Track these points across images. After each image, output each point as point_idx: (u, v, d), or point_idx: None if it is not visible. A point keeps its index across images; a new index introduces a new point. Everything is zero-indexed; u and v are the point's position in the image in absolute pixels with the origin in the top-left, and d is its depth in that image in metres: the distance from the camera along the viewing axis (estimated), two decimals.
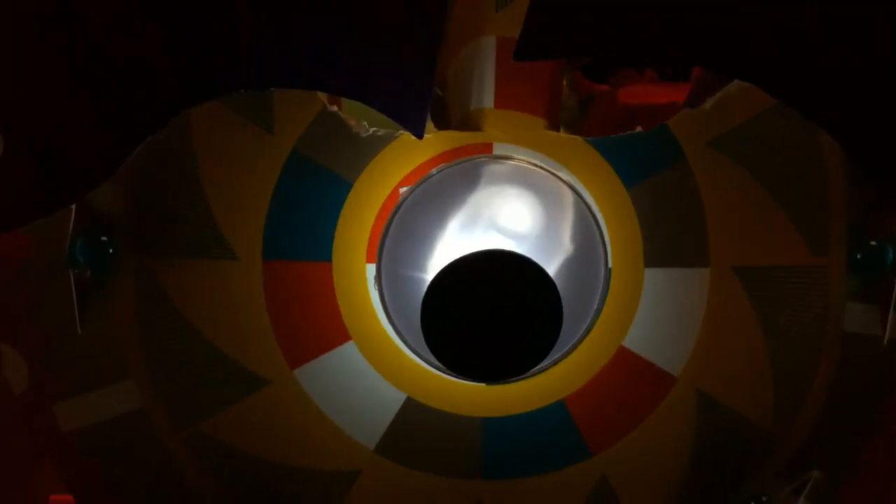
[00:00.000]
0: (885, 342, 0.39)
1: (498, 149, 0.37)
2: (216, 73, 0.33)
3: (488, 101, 0.38)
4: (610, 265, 0.37)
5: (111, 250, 0.38)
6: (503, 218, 0.33)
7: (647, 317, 0.37)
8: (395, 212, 0.33)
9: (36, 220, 0.36)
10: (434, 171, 0.34)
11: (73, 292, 0.38)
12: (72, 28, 0.32)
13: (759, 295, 0.38)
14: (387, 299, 0.33)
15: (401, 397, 0.37)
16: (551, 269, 0.32)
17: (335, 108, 0.38)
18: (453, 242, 0.32)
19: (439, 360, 0.32)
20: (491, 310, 0.31)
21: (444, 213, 0.33)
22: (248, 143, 0.37)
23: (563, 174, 0.36)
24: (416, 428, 0.37)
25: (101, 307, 0.38)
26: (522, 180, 0.34)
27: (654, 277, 0.37)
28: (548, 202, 0.34)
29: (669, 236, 0.37)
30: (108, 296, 0.38)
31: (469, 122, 0.38)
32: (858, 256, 0.38)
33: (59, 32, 0.32)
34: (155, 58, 0.32)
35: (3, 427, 0.40)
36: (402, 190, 0.35)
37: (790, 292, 0.38)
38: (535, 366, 0.32)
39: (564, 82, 0.61)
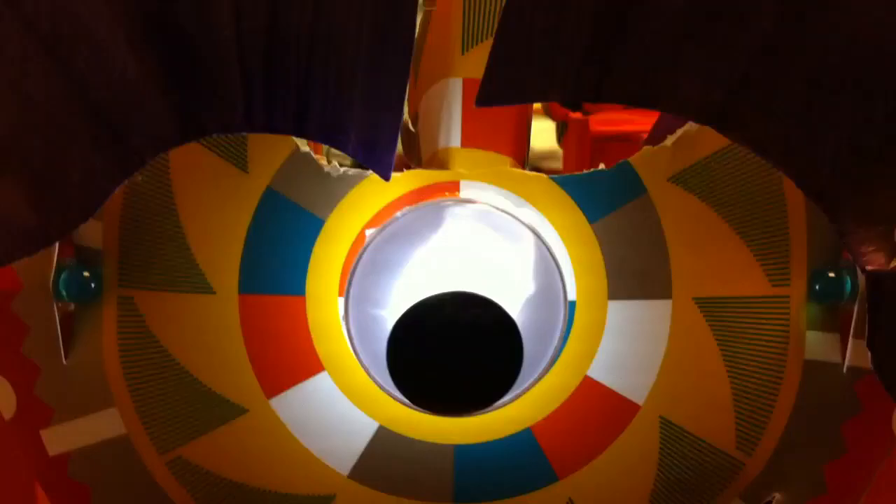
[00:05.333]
0: (845, 369, 0.40)
1: (465, 187, 0.38)
2: (206, 114, 0.34)
3: (455, 140, 0.39)
4: (574, 298, 0.38)
5: (93, 283, 0.39)
6: (466, 258, 0.34)
7: (610, 348, 0.38)
8: (362, 253, 0.34)
9: (24, 256, 0.37)
10: (399, 213, 0.35)
11: (58, 324, 0.40)
12: (61, 57, 0.33)
13: (721, 325, 0.39)
14: (354, 335, 0.35)
15: (373, 425, 0.38)
16: (513, 306, 0.33)
17: (308, 148, 0.39)
18: (418, 281, 0.33)
19: (404, 395, 0.33)
20: (453, 350, 0.32)
21: (408, 253, 0.34)
22: (224, 180, 0.38)
23: (527, 210, 0.37)
24: (388, 455, 0.38)
25: (86, 337, 0.40)
26: (485, 221, 0.35)
27: (617, 309, 0.38)
28: (509, 242, 0.35)
29: (632, 269, 0.38)
30: (92, 326, 0.40)
31: (437, 161, 0.39)
32: (817, 287, 0.39)
33: (47, 61, 0.33)
34: (147, 91, 0.33)
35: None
36: (368, 232, 0.36)
37: (751, 322, 0.39)
38: (495, 401, 0.33)
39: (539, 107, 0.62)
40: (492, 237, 0.34)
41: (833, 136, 0.34)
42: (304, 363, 0.38)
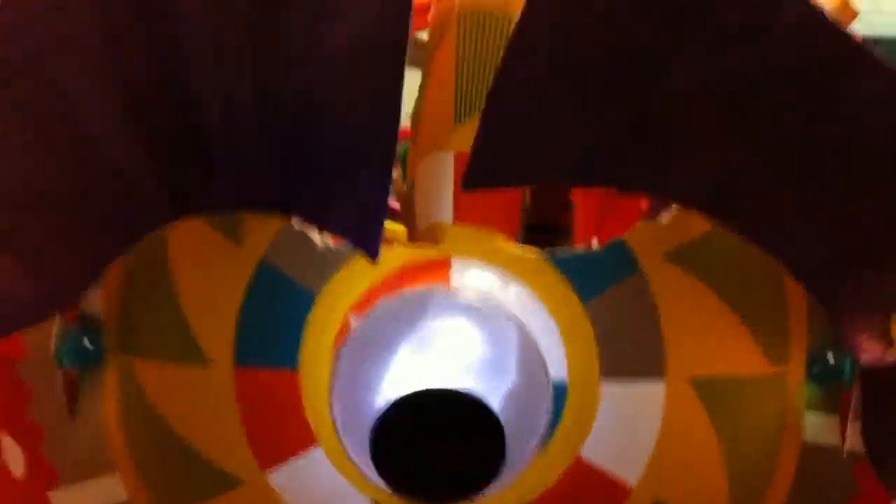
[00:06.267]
0: (845, 453, 0.40)
1: (456, 265, 0.38)
2: (195, 193, 0.35)
3: (447, 215, 0.40)
4: (566, 378, 0.38)
5: (95, 350, 0.40)
6: (450, 350, 0.34)
7: (603, 428, 0.38)
8: (346, 340, 0.35)
9: (22, 327, 0.39)
10: (384, 301, 0.36)
11: (62, 390, 0.41)
12: (51, 136, 0.34)
13: (716, 405, 0.38)
14: (339, 421, 0.35)
15: (364, 501, 0.39)
16: (497, 399, 0.33)
17: (299, 225, 0.39)
18: (402, 371, 0.33)
19: (388, 487, 0.34)
20: (435, 446, 0.33)
21: (393, 342, 0.34)
22: (219, 253, 0.38)
23: (519, 289, 0.38)
24: None
25: (88, 403, 0.41)
26: (470, 313, 0.35)
27: (610, 390, 0.38)
28: (494, 334, 0.35)
29: (625, 349, 0.38)
30: (94, 392, 0.41)
31: (430, 235, 0.39)
32: (816, 368, 0.39)
33: (39, 140, 0.34)
34: (136, 170, 0.34)
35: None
36: (353, 317, 0.36)
37: (747, 402, 0.39)
38: (477, 494, 0.34)
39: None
40: (477, 329, 0.35)
41: (824, 225, 0.34)
42: (298, 437, 0.39)
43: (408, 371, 0.33)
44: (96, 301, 0.41)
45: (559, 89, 0.33)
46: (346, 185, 0.34)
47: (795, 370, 0.38)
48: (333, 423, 0.36)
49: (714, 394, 0.38)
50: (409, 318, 0.34)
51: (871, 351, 0.35)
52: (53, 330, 0.41)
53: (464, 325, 0.35)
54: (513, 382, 0.34)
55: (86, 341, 0.40)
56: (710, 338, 0.38)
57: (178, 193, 0.35)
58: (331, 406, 0.36)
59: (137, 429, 0.41)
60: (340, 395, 0.34)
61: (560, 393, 0.38)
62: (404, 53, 0.33)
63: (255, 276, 0.39)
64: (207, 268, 0.39)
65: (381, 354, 0.34)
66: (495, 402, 0.33)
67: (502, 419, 0.32)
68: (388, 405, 0.32)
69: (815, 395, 0.39)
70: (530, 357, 0.34)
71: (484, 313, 0.35)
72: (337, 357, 0.35)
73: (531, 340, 0.34)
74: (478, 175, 0.34)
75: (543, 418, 0.35)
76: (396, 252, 0.38)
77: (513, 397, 0.34)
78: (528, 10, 0.32)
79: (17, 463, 0.43)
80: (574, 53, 0.32)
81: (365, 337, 0.34)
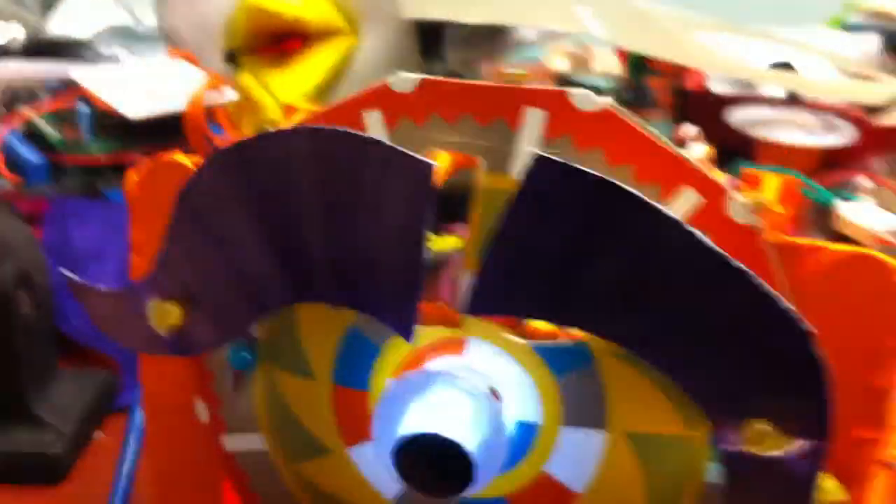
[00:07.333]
0: None
1: (471, 342, 0.54)
2: (306, 293, 0.53)
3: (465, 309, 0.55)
4: (539, 422, 0.55)
5: (251, 359, 0.61)
6: (443, 407, 0.48)
7: (562, 456, 0.55)
8: (382, 394, 0.52)
9: (209, 350, 0.61)
10: (406, 374, 0.53)
11: (231, 379, 0.63)
12: (224, 250, 0.54)
13: (643, 450, 0.52)
14: (375, 437, 0.52)
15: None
16: (471, 445, 0.46)
17: None
18: (412, 416, 0.48)
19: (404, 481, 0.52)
20: (431, 464, 0.50)
21: (407, 400, 0.48)
22: (325, 318, 0.54)
23: (515, 366, 0.52)
24: (417, 498, 0.57)
25: (247, 387, 0.63)
26: (463, 387, 0.51)
27: (568, 433, 0.52)
28: (475, 401, 0.51)
29: (581, 408, 0.50)
30: (250, 382, 0.62)
31: (450, 321, 0.53)
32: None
33: (218, 251, 0.54)
34: (273, 276, 0.53)
35: (200, 442, 0.67)
36: (389, 381, 0.53)
37: (665, 451, 0.50)
38: (461, 492, 0.51)
39: None
40: (465, 397, 0.51)
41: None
42: (365, 431, 0.58)
43: (415, 419, 0.51)
44: (255, 329, 0.60)
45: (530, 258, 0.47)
46: (384, 270, 0.48)
47: (703, 434, 0.52)
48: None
49: (642, 442, 0.51)
50: (419, 388, 0.51)
51: (729, 443, 0.49)
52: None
53: (455, 395, 0.52)
54: (484, 436, 0.51)
55: (246, 353, 0.62)
56: (642, 407, 0.53)
57: (297, 291, 0.53)
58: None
59: (272, 407, 0.60)
60: (376, 423, 0.53)
61: (533, 430, 0.54)
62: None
63: (346, 331, 0.56)
64: (318, 325, 0.56)
65: (400, 406, 0.52)
66: (470, 444, 0.50)
67: (472, 453, 0.49)
68: (403, 438, 0.51)
69: (717, 452, 0.53)
70: (497, 420, 0.51)
71: (473, 391, 0.51)
72: (378, 400, 0.54)
73: (498, 410, 0.51)
74: (480, 305, 0.49)
75: (503, 451, 0.51)
76: (427, 332, 0.53)
77: (484, 447, 0.51)
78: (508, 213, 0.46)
79: (203, 415, 0.66)
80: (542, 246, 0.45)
81: (392, 393, 0.52)
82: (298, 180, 0.45)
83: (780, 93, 1.37)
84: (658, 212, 0.40)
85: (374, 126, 0.51)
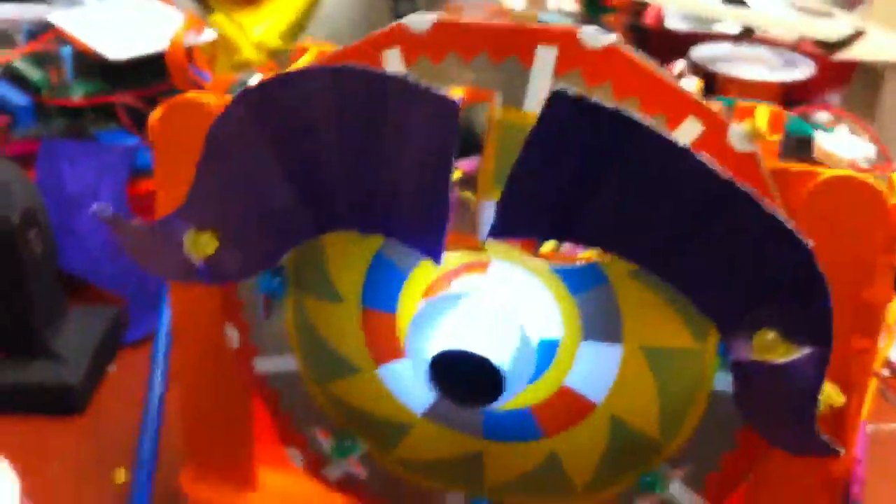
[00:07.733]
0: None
1: (494, 263, 0.58)
2: (331, 223, 0.56)
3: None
4: (560, 337, 0.59)
5: (280, 286, 0.64)
6: (472, 324, 0.52)
7: (581, 369, 0.59)
8: (414, 314, 0.55)
9: (240, 281, 0.63)
10: (437, 293, 0.56)
11: (261, 305, 0.66)
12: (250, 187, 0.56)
13: (656, 363, 0.55)
14: (408, 353, 0.55)
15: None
16: (499, 359, 0.52)
17: None
18: (444, 332, 0.52)
19: (440, 393, 0.55)
20: (463, 376, 0.55)
21: (438, 318, 0.52)
22: (353, 241, 0.56)
23: (537, 282, 0.56)
24: (445, 405, 0.61)
25: (277, 313, 0.65)
26: (489, 303, 0.55)
27: (586, 346, 0.55)
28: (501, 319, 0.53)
29: (597, 323, 0.54)
30: (280, 307, 0.65)
31: (475, 243, 0.57)
32: (722, 350, 0.57)
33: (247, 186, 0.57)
34: (296, 209, 0.57)
35: (229, 368, 0.70)
36: (420, 302, 0.56)
37: (677, 363, 0.53)
38: (490, 404, 0.55)
39: None
40: (491, 316, 0.54)
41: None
42: (394, 350, 0.61)
43: (447, 337, 0.55)
44: (284, 258, 0.63)
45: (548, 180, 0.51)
46: (412, 197, 0.50)
47: (711, 347, 0.55)
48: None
49: (655, 355, 0.55)
50: (450, 307, 0.55)
51: (741, 355, 0.53)
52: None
53: (484, 313, 0.55)
54: (511, 350, 0.55)
55: (276, 280, 0.61)
56: (655, 322, 0.57)
57: (322, 224, 0.57)
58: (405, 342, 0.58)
59: (302, 330, 0.58)
60: (409, 342, 0.56)
61: (555, 345, 0.56)
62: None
63: (373, 258, 0.59)
64: (344, 253, 0.59)
65: (432, 325, 0.55)
66: (500, 360, 0.54)
67: (502, 368, 0.53)
68: (439, 354, 0.54)
69: (724, 363, 0.57)
70: (523, 339, 0.54)
71: (500, 309, 0.55)
72: (412, 320, 0.57)
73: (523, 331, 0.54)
74: (501, 229, 0.51)
75: (530, 366, 0.55)
76: (451, 256, 0.56)
77: (511, 359, 0.55)
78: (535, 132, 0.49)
79: (234, 341, 0.65)
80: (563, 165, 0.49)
81: (424, 313, 0.56)
82: (324, 118, 0.46)
83: (735, 29, 1.39)
84: (668, 139, 0.41)
85: (393, 63, 0.52)
